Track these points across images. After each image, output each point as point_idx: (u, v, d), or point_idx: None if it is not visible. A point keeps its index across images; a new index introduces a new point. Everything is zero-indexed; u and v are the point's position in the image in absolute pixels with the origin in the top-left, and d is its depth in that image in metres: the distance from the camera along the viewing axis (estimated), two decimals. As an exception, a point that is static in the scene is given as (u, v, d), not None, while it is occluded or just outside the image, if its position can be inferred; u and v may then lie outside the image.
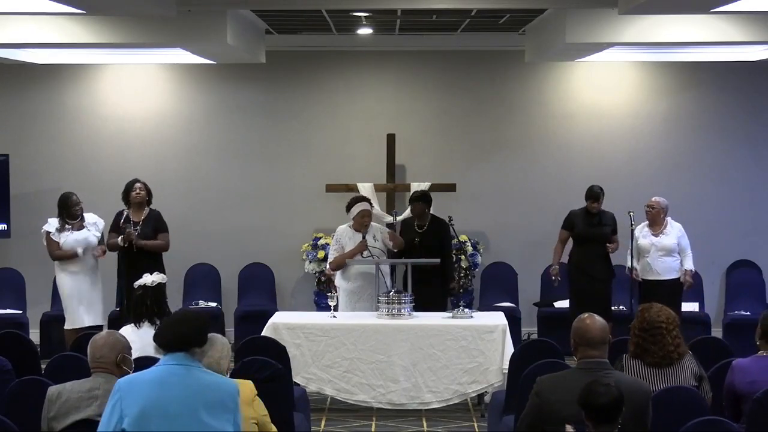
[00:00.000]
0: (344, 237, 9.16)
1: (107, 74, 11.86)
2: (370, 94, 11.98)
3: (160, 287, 6.63)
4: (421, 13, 9.80)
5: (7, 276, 11.38)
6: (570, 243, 10.22)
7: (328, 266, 9.43)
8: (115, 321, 9.83)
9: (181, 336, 4.33)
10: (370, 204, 9.49)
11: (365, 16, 10.13)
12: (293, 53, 11.89)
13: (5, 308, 11.07)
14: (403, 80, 11.97)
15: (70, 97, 11.83)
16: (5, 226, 11.31)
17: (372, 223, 9.37)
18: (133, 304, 6.53)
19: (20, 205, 11.50)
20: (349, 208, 9.27)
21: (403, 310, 8.54)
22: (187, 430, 4.20)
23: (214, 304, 11.42)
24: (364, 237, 9.04)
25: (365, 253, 9.01)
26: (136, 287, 6.61)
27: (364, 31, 11.23)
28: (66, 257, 9.55)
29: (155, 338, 4.42)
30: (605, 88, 11.89)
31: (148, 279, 6.60)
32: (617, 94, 11.90)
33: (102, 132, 11.83)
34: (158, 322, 6.31)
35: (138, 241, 9.42)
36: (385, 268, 9.10)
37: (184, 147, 11.89)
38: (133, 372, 5.06)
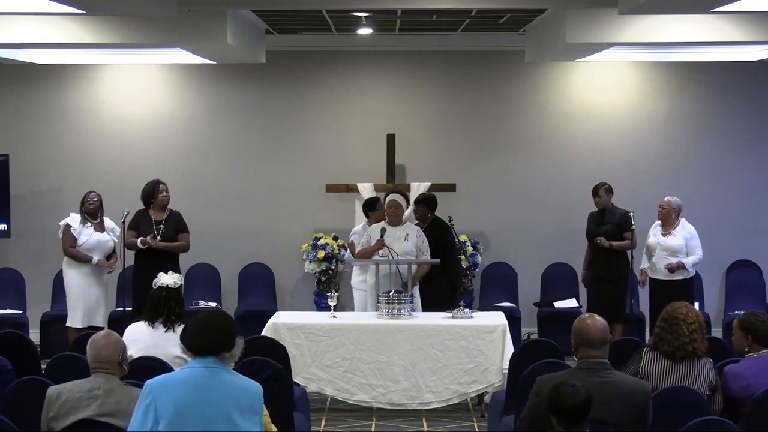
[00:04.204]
0: (375, 229, 9.14)
1: (107, 74, 11.85)
2: (370, 94, 11.97)
3: (180, 289, 6.54)
4: (421, 13, 9.80)
5: (7, 276, 11.37)
6: None
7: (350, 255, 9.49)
8: (116, 321, 9.81)
9: (212, 342, 4.41)
10: (405, 199, 9.55)
11: (365, 16, 10.13)
12: (293, 53, 11.88)
13: (5, 308, 11.06)
14: (403, 80, 11.96)
15: (70, 97, 11.82)
16: (5, 226, 11.30)
17: (410, 224, 9.38)
18: (152, 304, 6.39)
19: (20, 205, 11.50)
20: (370, 206, 9.27)
21: (403, 310, 8.53)
22: (221, 431, 4.28)
23: (214, 304, 11.40)
24: (382, 235, 9.01)
25: (382, 252, 8.97)
26: (156, 287, 6.45)
27: (364, 31, 11.22)
28: (80, 259, 9.53)
29: (183, 340, 4.47)
30: (605, 88, 11.88)
31: (169, 280, 6.40)
32: (617, 94, 11.89)
33: (102, 132, 11.82)
34: (174, 324, 6.27)
35: (158, 243, 9.40)
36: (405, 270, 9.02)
37: (184, 147, 11.88)
38: (127, 371, 5.09)
